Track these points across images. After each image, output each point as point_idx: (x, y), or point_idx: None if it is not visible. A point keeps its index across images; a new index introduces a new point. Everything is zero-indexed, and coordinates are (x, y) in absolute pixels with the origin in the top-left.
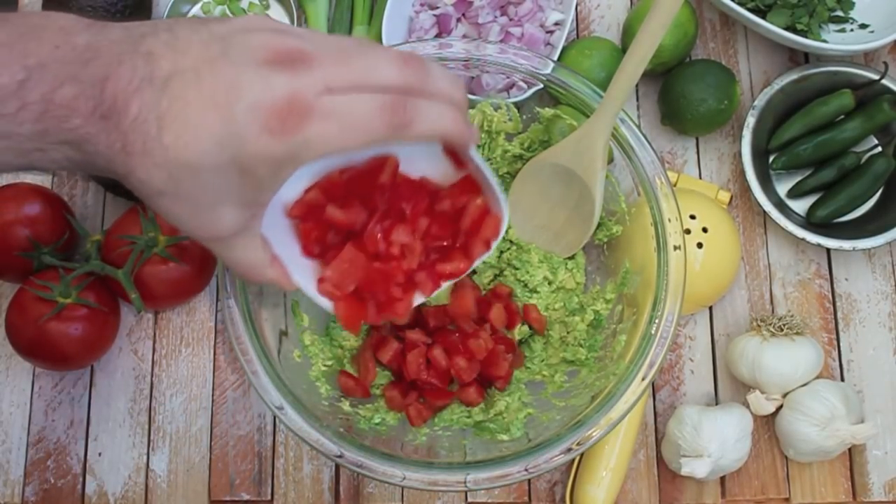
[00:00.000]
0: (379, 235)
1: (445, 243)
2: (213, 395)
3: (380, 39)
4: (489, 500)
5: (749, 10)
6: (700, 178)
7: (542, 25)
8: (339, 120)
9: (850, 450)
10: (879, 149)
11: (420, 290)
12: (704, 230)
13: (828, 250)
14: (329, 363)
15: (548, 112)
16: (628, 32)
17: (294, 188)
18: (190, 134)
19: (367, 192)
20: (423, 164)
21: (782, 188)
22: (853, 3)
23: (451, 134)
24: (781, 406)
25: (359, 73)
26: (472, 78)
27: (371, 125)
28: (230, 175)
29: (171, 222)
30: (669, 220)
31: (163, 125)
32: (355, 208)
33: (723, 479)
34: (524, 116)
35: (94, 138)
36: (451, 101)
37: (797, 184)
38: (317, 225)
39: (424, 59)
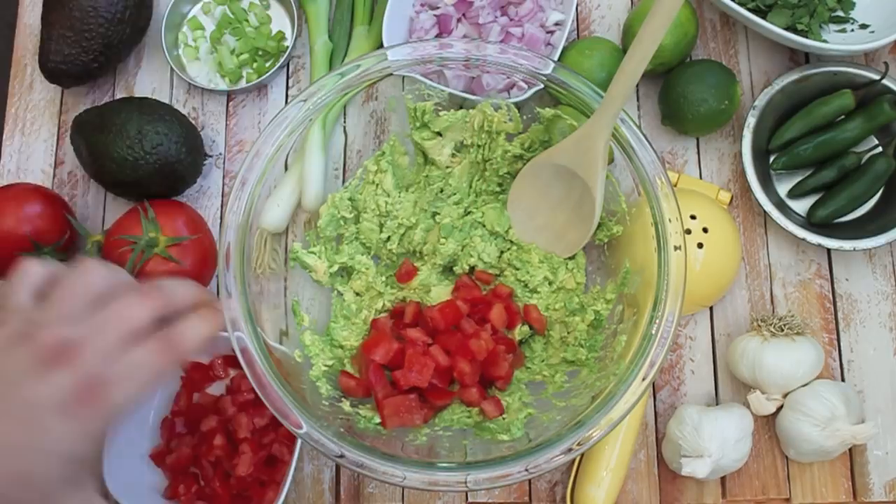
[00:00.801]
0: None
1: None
2: None
3: (380, 39)
4: (489, 500)
5: (749, 10)
6: (700, 178)
7: (542, 25)
8: (131, 377)
9: (850, 450)
10: (880, 149)
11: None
12: (705, 230)
13: (828, 250)
14: (329, 363)
15: (548, 112)
16: (629, 33)
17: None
18: (17, 460)
19: None
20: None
21: (783, 188)
22: (853, 3)
23: (211, 331)
24: (782, 406)
25: (118, 330)
26: (473, 78)
27: (156, 365)
28: (60, 469)
29: None
30: (670, 221)
31: None
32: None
33: (723, 479)
34: (524, 116)
35: None
36: (196, 303)
37: (798, 184)
38: None
39: (155, 282)
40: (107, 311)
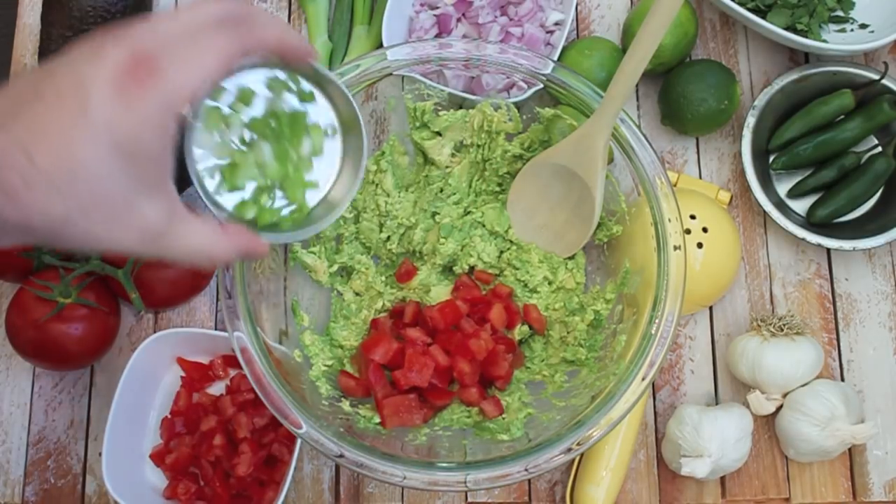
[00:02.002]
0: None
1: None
2: None
3: (380, 39)
4: (489, 500)
5: (749, 10)
6: (700, 178)
7: (542, 25)
8: (187, 52)
9: (850, 450)
10: (879, 149)
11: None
12: (704, 230)
13: (828, 250)
14: (329, 363)
15: (548, 112)
16: (628, 32)
17: None
18: (59, 143)
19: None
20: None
21: (782, 188)
22: (853, 3)
23: (289, 39)
24: (781, 406)
25: (187, 16)
26: (472, 78)
27: (222, 47)
28: (119, 162)
29: (102, 248)
30: (669, 220)
31: (30, 150)
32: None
33: (723, 479)
34: (524, 116)
35: None
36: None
37: (797, 184)
38: None
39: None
40: (181, 9)
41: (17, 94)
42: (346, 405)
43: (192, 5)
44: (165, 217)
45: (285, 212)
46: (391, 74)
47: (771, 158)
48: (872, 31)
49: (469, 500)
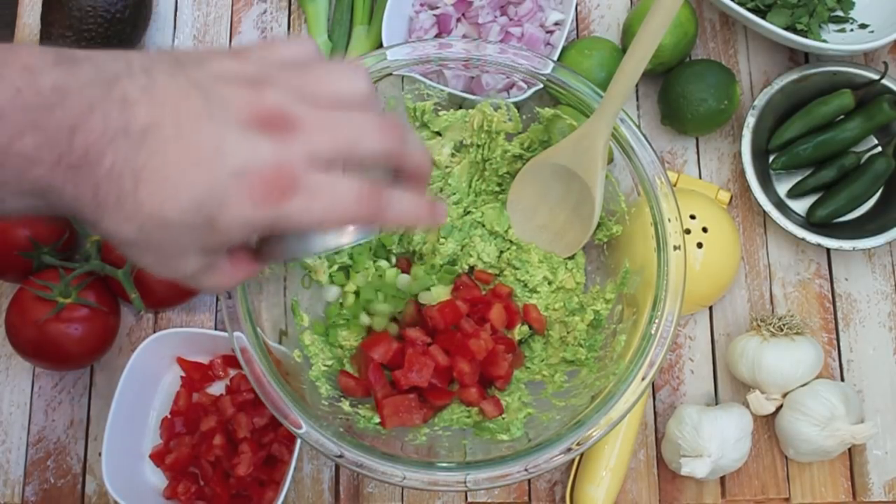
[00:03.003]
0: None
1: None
2: None
3: (379, 39)
4: (489, 500)
5: (749, 10)
6: (700, 178)
7: (542, 25)
8: (322, 199)
9: (850, 450)
10: (879, 149)
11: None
12: (704, 230)
13: (828, 250)
14: (329, 363)
15: (548, 112)
16: (628, 32)
17: None
18: (168, 191)
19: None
20: None
21: (782, 188)
22: (853, 3)
23: (418, 222)
24: (781, 406)
25: (344, 142)
26: (472, 78)
27: (349, 209)
28: (201, 232)
29: (136, 264)
30: (669, 220)
31: (139, 179)
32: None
33: (723, 479)
34: (524, 116)
35: (60, 188)
36: (420, 175)
37: (797, 184)
38: None
39: (403, 125)
40: (345, 115)
41: (164, 98)
42: (345, 405)
43: (356, 125)
44: (202, 268)
45: None
46: (391, 74)
47: (771, 158)
48: (872, 31)
49: (469, 500)
